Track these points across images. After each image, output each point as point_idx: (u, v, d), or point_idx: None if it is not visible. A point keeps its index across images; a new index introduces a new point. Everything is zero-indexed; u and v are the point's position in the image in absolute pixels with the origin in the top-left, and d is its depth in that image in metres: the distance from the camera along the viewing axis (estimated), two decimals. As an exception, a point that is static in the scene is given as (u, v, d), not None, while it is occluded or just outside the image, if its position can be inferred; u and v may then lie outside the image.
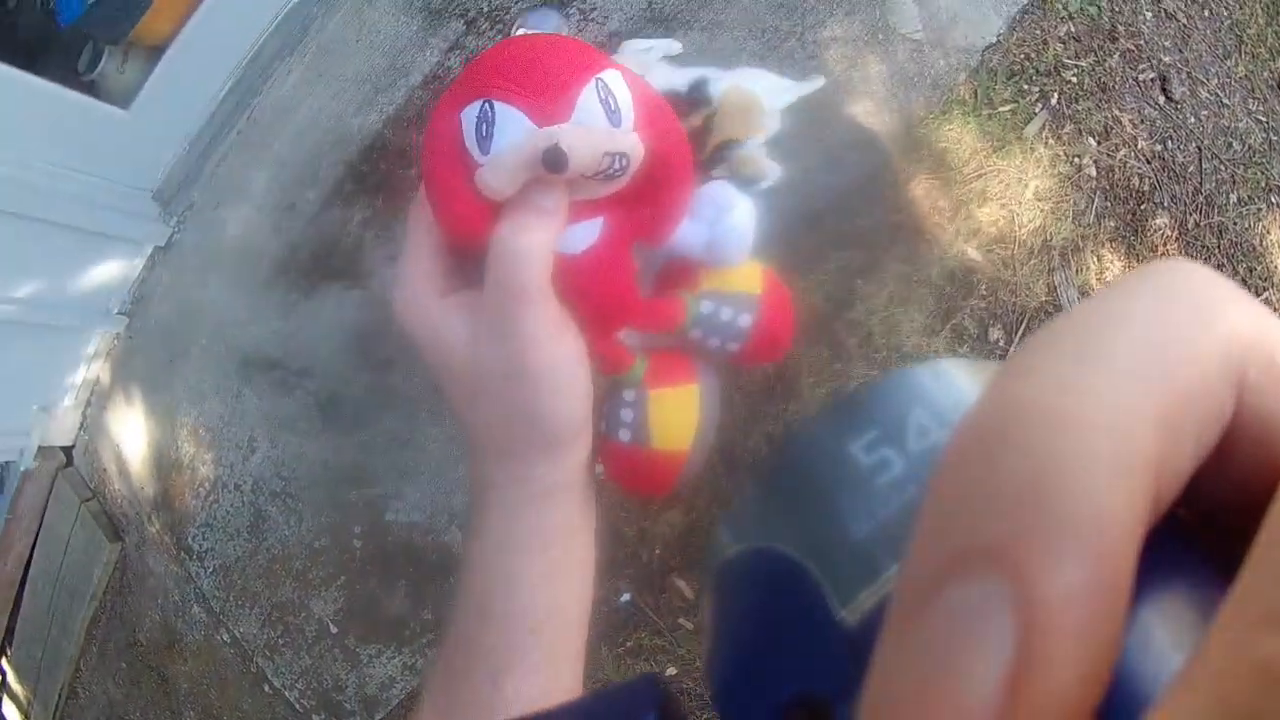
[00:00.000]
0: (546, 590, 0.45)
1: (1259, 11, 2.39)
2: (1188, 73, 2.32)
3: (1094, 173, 2.21)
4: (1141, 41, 2.31)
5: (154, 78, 2.53)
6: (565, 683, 0.46)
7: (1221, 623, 0.12)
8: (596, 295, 0.43)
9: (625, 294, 0.45)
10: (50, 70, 2.35)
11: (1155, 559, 0.14)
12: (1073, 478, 0.13)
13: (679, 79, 2.18)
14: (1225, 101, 2.32)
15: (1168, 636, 0.14)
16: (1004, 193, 2.14)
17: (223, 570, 2.49)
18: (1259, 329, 0.16)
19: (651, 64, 2.20)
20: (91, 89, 2.58)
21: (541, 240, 0.40)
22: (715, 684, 0.20)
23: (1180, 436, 0.14)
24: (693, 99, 2.14)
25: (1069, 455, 0.13)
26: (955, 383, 0.19)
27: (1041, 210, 2.15)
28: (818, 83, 2.28)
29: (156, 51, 2.57)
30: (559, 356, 0.42)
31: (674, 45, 2.26)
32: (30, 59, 2.35)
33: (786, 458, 0.20)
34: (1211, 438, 0.15)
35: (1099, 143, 2.24)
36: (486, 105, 0.39)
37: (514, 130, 0.38)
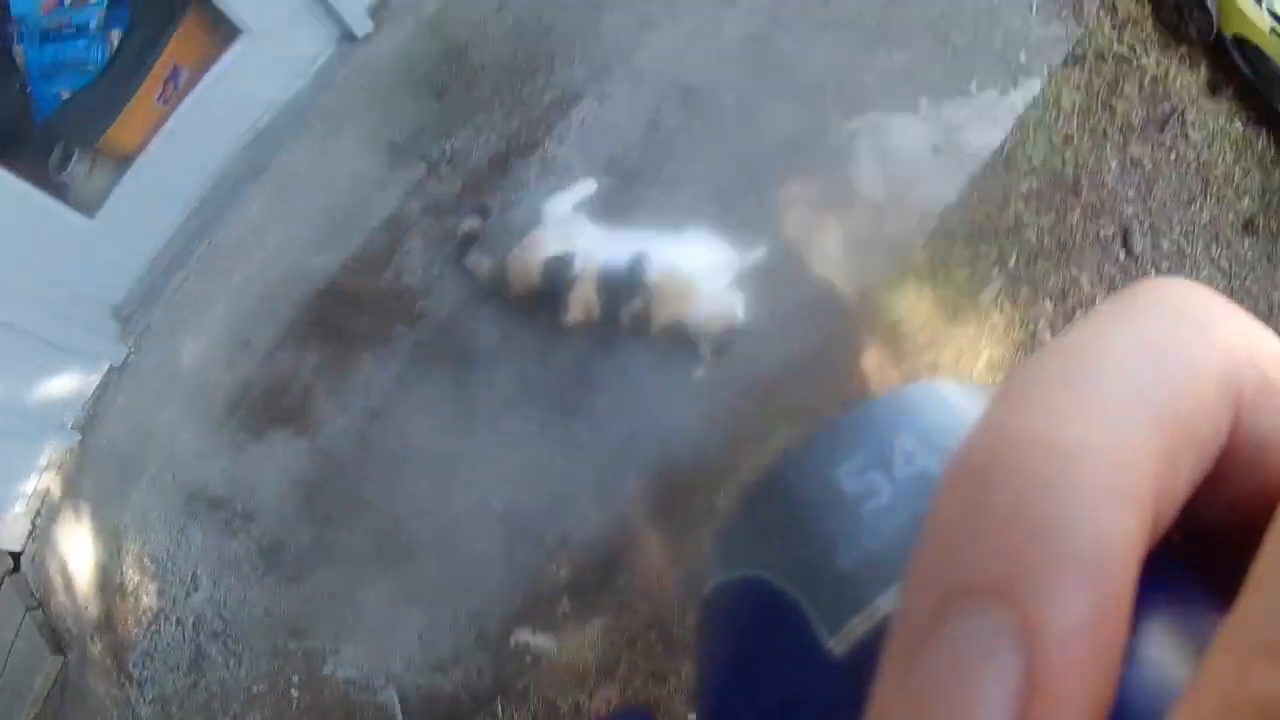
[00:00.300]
0: None
1: (1226, 149, 2.37)
2: (1150, 223, 2.30)
3: (1049, 337, 2.18)
4: (1105, 193, 2.29)
5: (120, 187, 2.54)
6: None
7: (1216, 654, 0.12)
8: None
9: None
10: (21, 164, 2.36)
11: (1151, 583, 0.14)
12: (1071, 509, 0.13)
13: (619, 255, 2.15)
14: (1187, 250, 2.30)
15: (1165, 663, 0.14)
16: (956, 363, 2.11)
17: (161, 700, 2.48)
18: (1255, 348, 0.15)
19: (580, 222, 2.15)
20: (60, 191, 2.57)
21: None
22: (705, 714, 0.20)
23: (1177, 460, 0.14)
24: (630, 284, 2.11)
25: (1067, 486, 0.13)
26: (942, 405, 0.19)
27: (994, 382, 2.13)
28: (757, 254, 2.28)
29: (125, 161, 2.56)
30: None
31: (589, 185, 2.22)
32: (2, 148, 2.36)
33: (774, 483, 0.19)
34: (1208, 459, 0.15)
35: (1055, 305, 2.22)
36: None
37: None
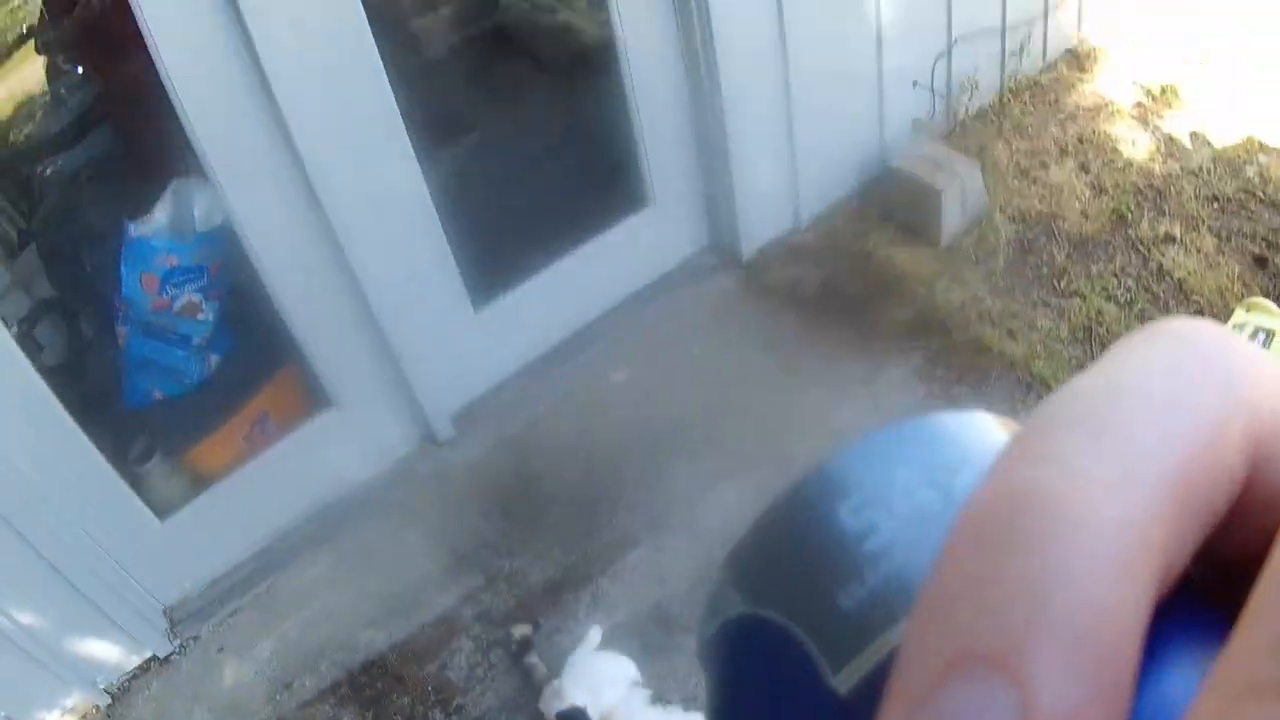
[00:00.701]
0: None
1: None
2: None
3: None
4: None
5: (194, 505, 2.76)
6: None
7: (1207, 693, 0.13)
8: None
9: None
10: (104, 436, 2.60)
11: (1162, 621, 0.15)
12: (1079, 581, 0.13)
13: None
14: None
15: (1175, 703, 0.14)
16: None
17: None
18: (1275, 393, 0.16)
19: (609, 680, 2.57)
20: (135, 482, 2.76)
21: None
22: None
23: (1191, 515, 0.15)
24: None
25: (1076, 556, 0.14)
26: (942, 439, 0.20)
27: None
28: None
29: (204, 480, 2.76)
30: None
31: (595, 634, 2.60)
32: (89, 412, 2.57)
33: (776, 522, 0.20)
34: (1223, 506, 0.16)
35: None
36: None
37: None
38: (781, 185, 3.38)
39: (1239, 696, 0.12)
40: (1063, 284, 3.53)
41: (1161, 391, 0.15)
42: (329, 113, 2.26)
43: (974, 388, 3.10)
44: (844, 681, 0.17)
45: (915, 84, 3.74)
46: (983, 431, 0.20)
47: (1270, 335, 2.97)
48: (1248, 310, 3.11)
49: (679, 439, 2.85)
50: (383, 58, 2.31)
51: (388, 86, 2.33)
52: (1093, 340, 3.30)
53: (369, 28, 2.23)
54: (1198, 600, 0.16)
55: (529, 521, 2.77)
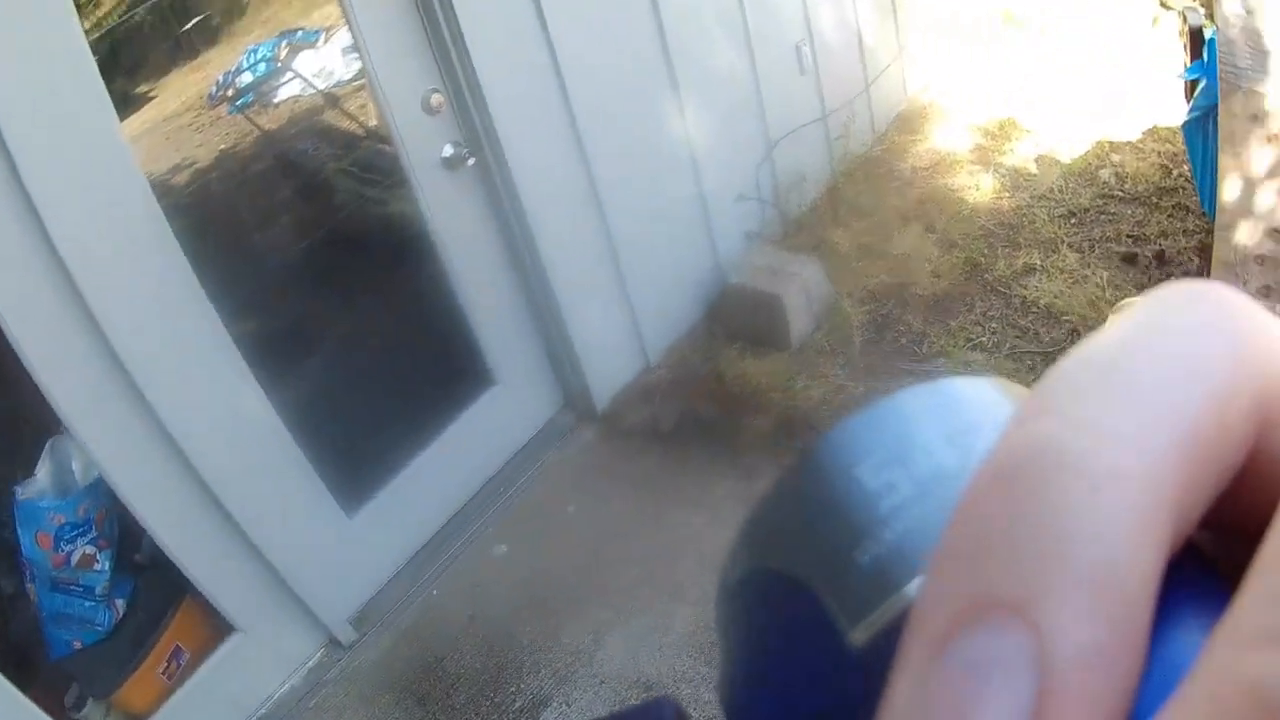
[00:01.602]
0: None
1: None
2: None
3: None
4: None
5: None
6: None
7: (1215, 643, 0.15)
8: None
9: None
10: (39, 689, 3.10)
11: (1171, 584, 0.18)
12: (1093, 530, 0.16)
13: None
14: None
15: (1183, 667, 0.16)
16: None
17: None
18: None
19: None
20: None
21: None
22: (729, 705, 0.25)
23: (1202, 474, 0.18)
24: None
25: (1091, 507, 0.16)
26: (961, 401, 0.24)
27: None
28: None
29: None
30: None
31: None
32: (19, 668, 3.08)
33: (796, 479, 0.24)
34: (1230, 474, 0.19)
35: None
36: None
37: None
38: (622, 331, 4.20)
39: (1246, 645, 0.14)
40: (924, 348, 4.32)
41: (1173, 352, 0.18)
42: (166, 353, 2.80)
43: None
44: (860, 635, 0.21)
45: (740, 197, 4.68)
46: (1000, 394, 0.24)
47: None
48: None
49: (568, 596, 3.60)
50: (216, 286, 2.87)
51: (219, 321, 2.90)
52: None
53: (189, 266, 2.77)
54: (1202, 563, 0.20)
55: (443, 705, 3.50)
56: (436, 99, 3.28)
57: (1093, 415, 0.17)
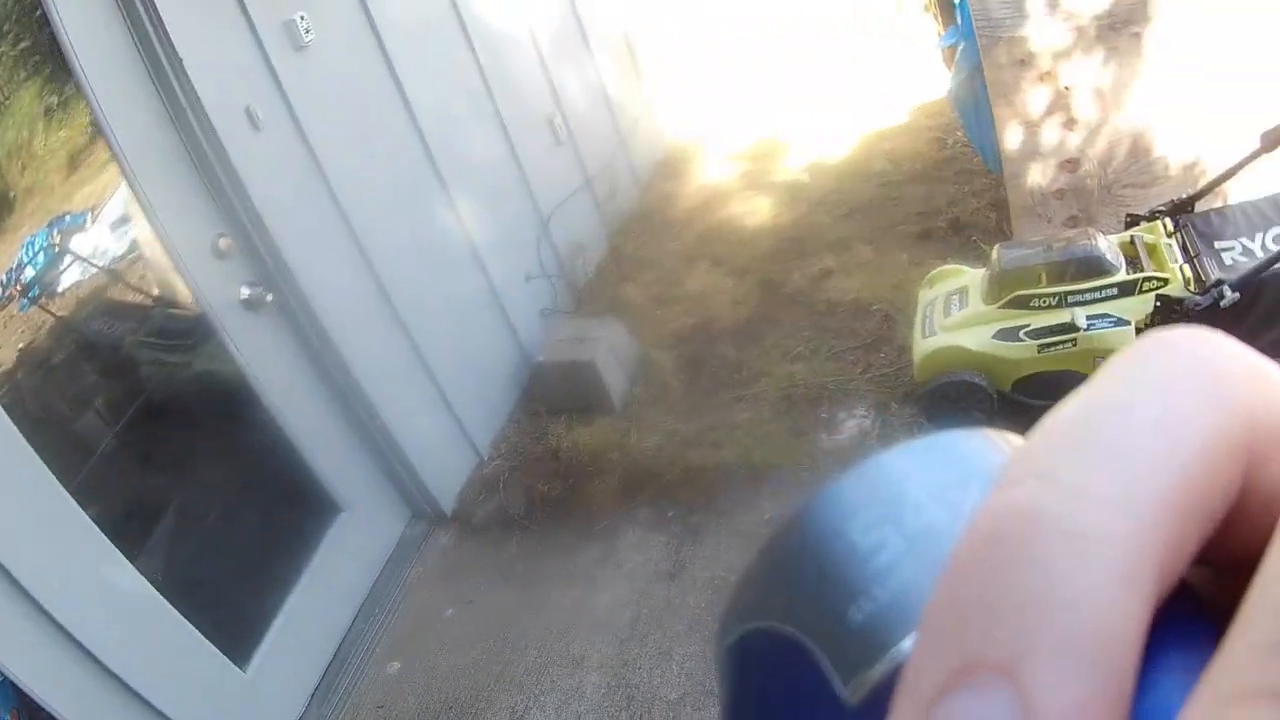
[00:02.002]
0: None
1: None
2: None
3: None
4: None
5: None
6: None
7: (1199, 698, 0.16)
8: None
9: None
10: None
11: (1159, 630, 0.19)
12: (1080, 593, 0.17)
13: None
14: None
15: (1172, 709, 0.18)
16: None
17: None
18: (1269, 398, 0.20)
19: None
20: None
21: None
22: None
23: (1188, 527, 0.19)
24: None
25: (1077, 569, 0.18)
26: (951, 457, 0.26)
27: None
28: None
29: None
30: None
31: None
32: None
33: (789, 538, 0.26)
34: (1220, 512, 0.20)
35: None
36: None
37: None
38: (449, 433, 4.54)
39: (1229, 702, 0.16)
40: (743, 374, 4.77)
41: (1155, 405, 0.20)
42: (33, 542, 2.93)
43: (707, 508, 4.21)
44: (855, 693, 0.22)
45: (528, 277, 5.12)
46: (989, 449, 0.25)
47: (963, 291, 4.01)
48: (931, 286, 4.19)
49: (475, 694, 3.77)
50: (63, 472, 3.03)
51: (76, 507, 3.06)
52: (796, 405, 4.52)
53: (36, 458, 2.94)
54: (1194, 605, 0.21)
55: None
56: (224, 243, 3.59)
57: (1073, 477, 0.19)
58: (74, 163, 3.43)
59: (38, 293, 3.49)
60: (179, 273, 3.55)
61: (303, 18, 3.82)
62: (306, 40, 3.85)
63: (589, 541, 4.29)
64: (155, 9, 3.29)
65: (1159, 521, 0.18)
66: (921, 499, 0.24)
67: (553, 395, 4.86)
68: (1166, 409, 0.20)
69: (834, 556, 0.24)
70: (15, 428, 2.95)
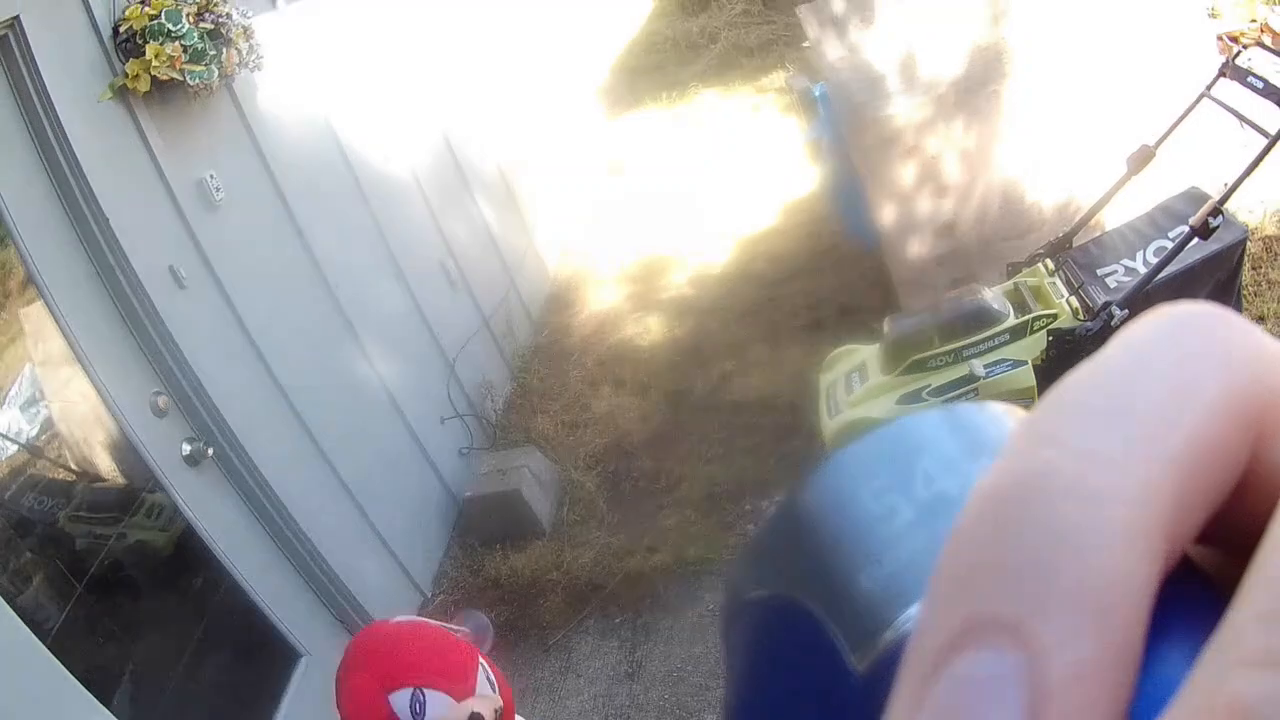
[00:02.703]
0: None
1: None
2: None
3: None
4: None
5: None
6: None
7: (1204, 664, 0.16)
8: None
9: None
10: None
11: (1166, 602, 0.19)
12: (1087, 551, 0.17)
13: None
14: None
15: (1176, 684, 0.17)
16: None
17: None
18: (1277, 375, 0.20)
19: None
20: None
21: None
22: None
23: (1195, 492, 0.19)
24: None
25: (1084, 528, 0.18)
26: (962, 428, 0.26)
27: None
28: None
29: None
30: None
31: None
32: None
33: (799, 505, 0.26)
34: (1224, 490, 0.20)
35: None
36: (418, 692, 1.00)
37: (440, 707, 0.95)
38: (393, 576, 4.56)
39: (1234, 666, 0.16)
40: (663, 482, 4.88)
41: (1161, 373, 0.19)
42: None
43: (653, 608, 4.29)
44: (862, 660, 0.22)
45: (443, 420, 5.21)
46: (1001, 421, 0.25)
47: (861, 368, 4.11)
48: (829, 369, 4.29)
49: None
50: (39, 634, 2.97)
51: (64, 672, 2.98)
52: (719, 502, 4.64)
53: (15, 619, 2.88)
54: (1200, 580, 0.21)
55: None
56: (162, 400, 3.61)
57: (1083, 439, 0.19)
58: None
59: None
60: (121, 431, 3.55)
61: (212, 176, 3.93)
62: (218, 199, 3.95)
63: (546, 656, 4.32)
64: (79, 165, 3.39)
65: (1166, 484, 0.18)
66: (932, 469, 0.24)
67: (484, 527, 4.91)
68: (1175, 375, 0.20)
69: (843, 524, 0.24)
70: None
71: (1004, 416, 0.26)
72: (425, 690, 0.74)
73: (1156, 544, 0.18)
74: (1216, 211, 3.27)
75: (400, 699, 0.85)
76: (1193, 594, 0.20)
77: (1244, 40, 4.20)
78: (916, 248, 4.66)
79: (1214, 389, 0.19)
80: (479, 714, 0.72)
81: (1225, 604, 0.17)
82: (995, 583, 0.18)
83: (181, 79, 3.56)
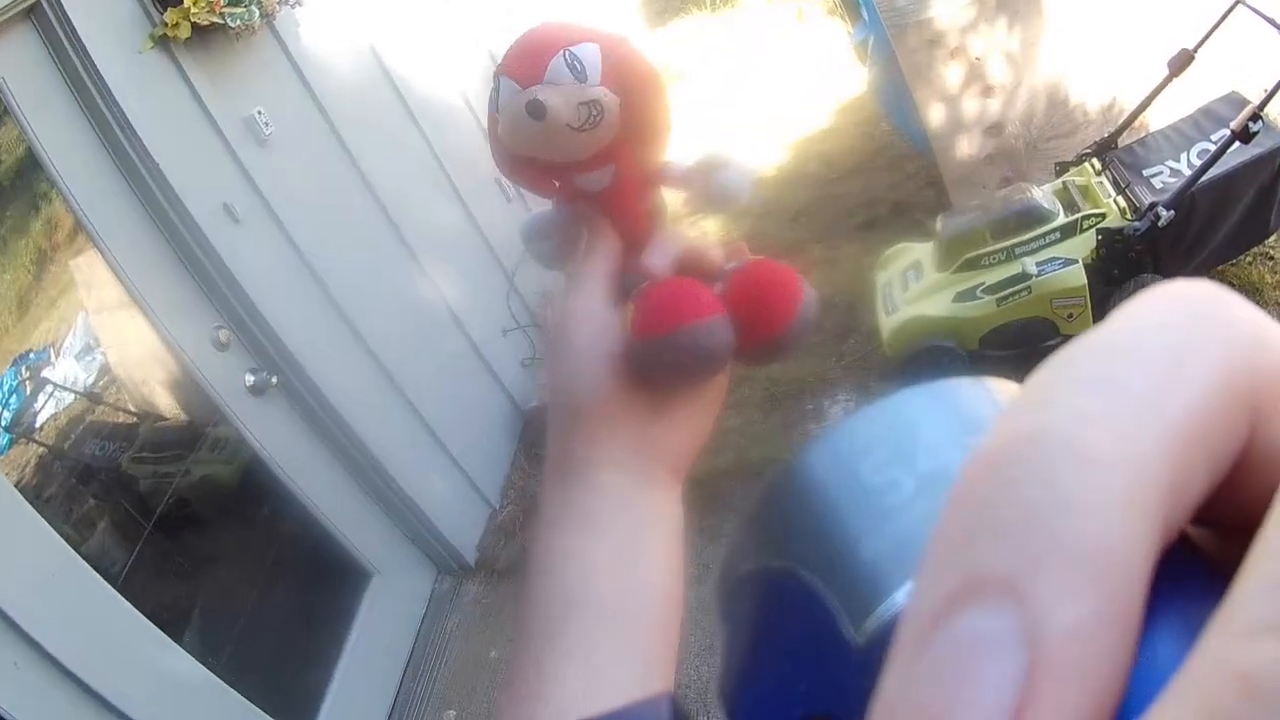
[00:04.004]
0: (579, 569, 0.64)
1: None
2: None
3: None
4: None
5: None
6: (614, 674, 0.61)
7: (1210, 634, 0.16)
8: (617, 220, 0.76)
9: (638, 219, 0.77)
10: None
11: (1166, 582, 0.18)
12: (1085, 510, 0.17)
13: None
14: None
15: (1174, 662, 0.17)
16: None
17: None
18: (1275, 353, 0.20)
19: None
20: None
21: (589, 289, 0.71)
22: (730, 702, 0.26)
23: (1193, 465, 0.19)
24: None
25: (1082, 488, 0.17)
26: (963, 401, 0.25)
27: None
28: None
29: None
30: (581, 337, 0.70)
31: None
32: None
33: (798, 476, 0.25)
34: (1225, 463, 0.19)
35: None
36: (495, 79, 0.73)
37: (508, 94, 0.72)
38: (460, 487, 4.64)
39: (1241, 635, 0.15)
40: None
41: (1162, 345, 0.19)
42: (92, 641, 2.93)
43: (717, 510, 4.23)
44: (862, 632, 0.21)
45: (504, 333, 5.25)
46: (1002, 395, 0.25)
47: (916, 265, 4.15)
48: (885, 267, 4.31)
49: None
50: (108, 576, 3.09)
51: (133, 611, 3.10)
52: (780, 402, 4.65)
53: (85, 564, 2.97)
54: (1199, 559, 0.20)
55: None
56: (223, 334, 3.69)
57: (1080, 403, 0.18)
58: (23, 303, 3.50)
59: (16, 434, 3.46)
60: (183, 369, 3.65)
61: (260, 113, 3.94)
62: (267, 134, 3.97)
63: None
64: (126, 117, 3.42)
65: (1165, 450, 0.18)
66: (933, 441, 0.24)
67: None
68: (1174, 347, 0.19)
69: (843, 495, 0.24)
70: (61, 539, 3.03)
71: (1001, 390, 0.25)
72: (500, 77, 0.74)
73: (1155, 508, 0.18)
74: (1256, 116, 3.21)
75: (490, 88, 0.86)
76: (1192, 571, 0.20)
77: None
78: (965, 147, 4.60)
79: (1213, 364, 0.19)
80: (539, 101, 0.69)
81: (1226, 582, 0.17)
82: (992, 543, 0.17)
83: (222, 22, 3.57)
